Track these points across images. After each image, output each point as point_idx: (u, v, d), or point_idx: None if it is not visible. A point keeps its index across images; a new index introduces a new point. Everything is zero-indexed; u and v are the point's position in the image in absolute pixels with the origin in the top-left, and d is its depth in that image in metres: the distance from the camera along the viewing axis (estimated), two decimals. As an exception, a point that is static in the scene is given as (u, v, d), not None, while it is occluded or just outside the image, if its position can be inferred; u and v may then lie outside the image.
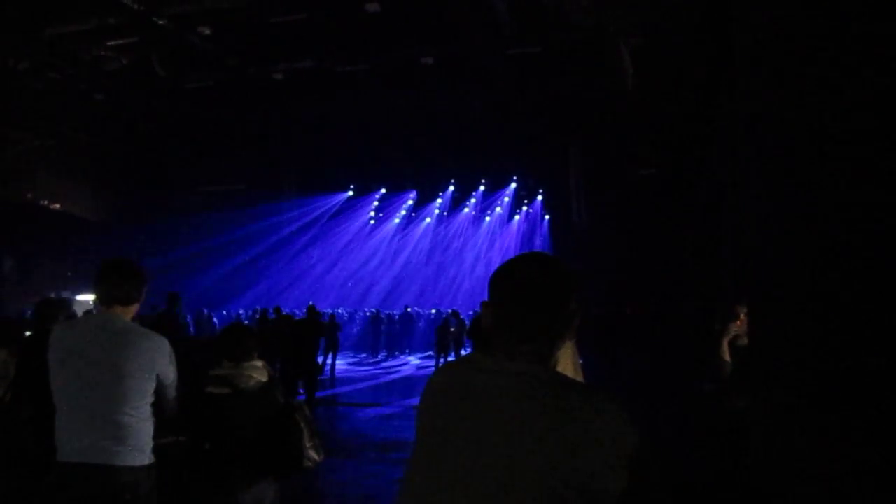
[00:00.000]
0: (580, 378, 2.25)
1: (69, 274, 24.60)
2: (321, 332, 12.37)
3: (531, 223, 28.98)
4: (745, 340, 4.41)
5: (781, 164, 2.14)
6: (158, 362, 3.21)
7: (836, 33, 1.96)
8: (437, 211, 30.05)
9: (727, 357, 4.46)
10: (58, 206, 23.88)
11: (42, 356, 3.25)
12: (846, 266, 1.84)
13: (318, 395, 11.63)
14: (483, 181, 27.01)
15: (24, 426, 4.94)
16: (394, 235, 30.94)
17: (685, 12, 9.22)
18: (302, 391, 11.27)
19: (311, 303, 15.01)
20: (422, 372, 19.06)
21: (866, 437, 1.75)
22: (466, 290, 29.59)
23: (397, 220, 30.64)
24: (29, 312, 18.21)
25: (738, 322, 4.44)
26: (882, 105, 1.83)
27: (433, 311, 26.81)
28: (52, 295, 23.46)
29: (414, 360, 22.67)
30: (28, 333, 7.12)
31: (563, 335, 1.58)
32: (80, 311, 8.18)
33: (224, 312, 25.46)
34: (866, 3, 1.89)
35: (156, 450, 3.22)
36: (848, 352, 1.82)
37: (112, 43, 14.75)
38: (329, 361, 18.02)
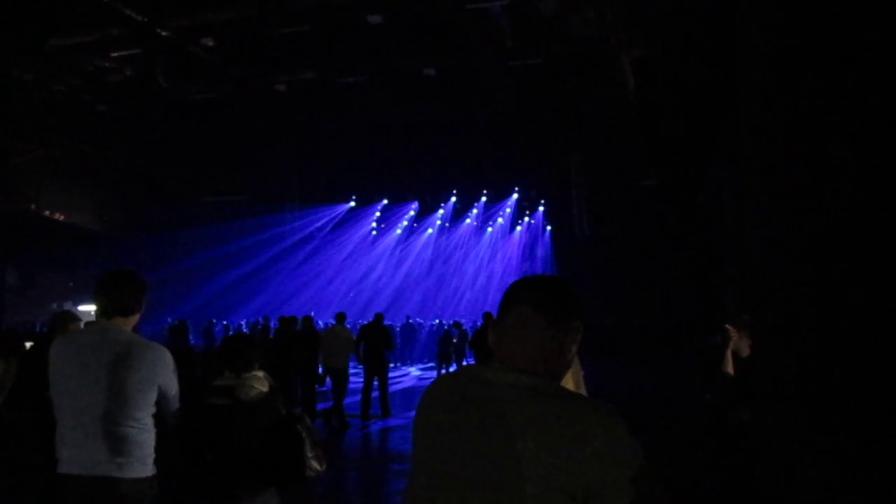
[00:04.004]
0: (583, 391, 2.26)
1: (71, 284, 24.65)
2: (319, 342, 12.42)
3: (533, 234, 29.00)
4: (746, 352, 4.40)
5: (784, 177, 2.15)
6: (160, 373, 3.20)
7: (838, 45, 1.97)
8: (438, 222, 30.06)
9: (730, 369, 4.45)
10: (61, 216, 23.93)
11: (43, 366, 3.25)
12: (848, 279, 1.84)
13: (319, 406, 11.69)
14: (485, 192, 27.04)
15: (20, 435, 4.93)
16: (396, 246, 30.94)
17: (687, 24, 9.26)
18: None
19: (310, 313, 15.03)
20: (423, 383, 19.01)
21: (866, 446, 1.75)
22: (468, 300, 29.56)
23: (399, 231, 30.66)
24: (38, 324, 18.24)
25: (740, 335, 4.43)
26: (885, 112, 1.83)
27: (435, 321, 26.76)
28: (55, 305, 23.53)
29: (415, 371, 22.61)
30: (29, 344, 7.13)
31: (569, 351, 1.61)
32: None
33: (225, 322, 25.46)
34: (864, 16, 1.91)
35: (157, 461, 3.21)
36: (849, 362, 1.82)
37: (116, 54, 14.83)
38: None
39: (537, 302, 1.61)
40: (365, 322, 14.19)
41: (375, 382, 12.40)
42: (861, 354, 1.82)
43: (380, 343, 12.34)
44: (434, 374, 20.43)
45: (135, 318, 3.30)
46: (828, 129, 2.02)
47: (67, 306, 22.56)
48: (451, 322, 22.12)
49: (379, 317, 12.90)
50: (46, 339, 4.92)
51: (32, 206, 23.06)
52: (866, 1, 1.95)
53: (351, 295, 30.59)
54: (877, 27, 1.93)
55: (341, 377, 11.69)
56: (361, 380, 12.41)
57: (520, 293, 1.66)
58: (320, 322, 23.70)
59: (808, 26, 2.13)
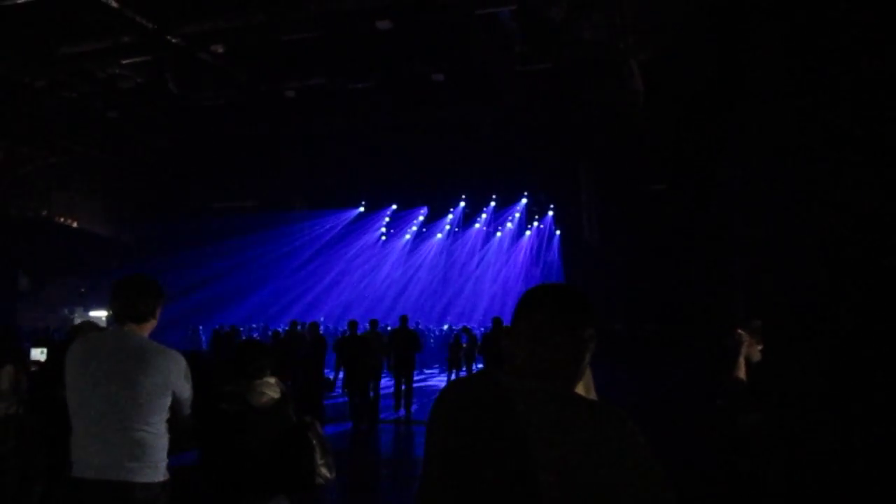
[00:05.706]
0: (593, 395, 2.26)
1: (83, 290, 24.74)
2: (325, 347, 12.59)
3: (542, 239, 28.97)
4: (758, 357, 4.39)
5: (796, 179, 2.15)
6: (173, 378, 3.21)
7: (849, 46, 1.97)
8: (448, 227, 30.06)
9: (742, 374, 4.43)
10: (72, 222, 24.06)
11: (59, 371, 3.27)
12: (862, 282, 1.84)
13: (327, 402, 12.01)
14: (494, 197, 27.03)
15: (36, 440, 4.97)
16: (404, 251, 30.95)
17: (695, 29, 9.26)
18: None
19: (314, 320, 15.10)
20: (432, 388, 18.98)
21: (880, 450, 1.74)
22: (477, 305, 29.52)
23: (408, 237, 30.68)
24: (50, 329, 18.33)
25: (749, 341, 4.41)
26: (892, 121, 1.83)
27: (445, 327, 26.73)
28: (66, 311, 23.64)
29: (424, 377, 22.56)
30: (40, 350, 7.20)
31: (583, 359, 1.62)
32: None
33: (238, 327, 25.47)
34: (869, 25, 1.91)
35: (170, 466, 3.22)
36: (863, 366, 1.81)
37: (126, 61, 14.93)
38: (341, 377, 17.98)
39: (552, 310, 1.62)
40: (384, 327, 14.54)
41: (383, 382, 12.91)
42: (875, 358, 1.81)
43: (409, 346, 12.79)
44: (443, 379, 20.39)
45: (149, 324, 3.30)
46: (840, 130, 2.02)
47: (79, 312, 22.69)
48: (461, 327, 22.08)
49: (404, 319, 13.43)
50: (63, 345, 4.96)
51: (44, 213, 23.20)
52: (874, 4, 1.95)
53: (361, 300, 30.59)
54: (886, 30, 1.93)
55: (376, 378, 12.29)
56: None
57: (535, 301, 1.66)
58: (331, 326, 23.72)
59: (818, 28, 2.13)
